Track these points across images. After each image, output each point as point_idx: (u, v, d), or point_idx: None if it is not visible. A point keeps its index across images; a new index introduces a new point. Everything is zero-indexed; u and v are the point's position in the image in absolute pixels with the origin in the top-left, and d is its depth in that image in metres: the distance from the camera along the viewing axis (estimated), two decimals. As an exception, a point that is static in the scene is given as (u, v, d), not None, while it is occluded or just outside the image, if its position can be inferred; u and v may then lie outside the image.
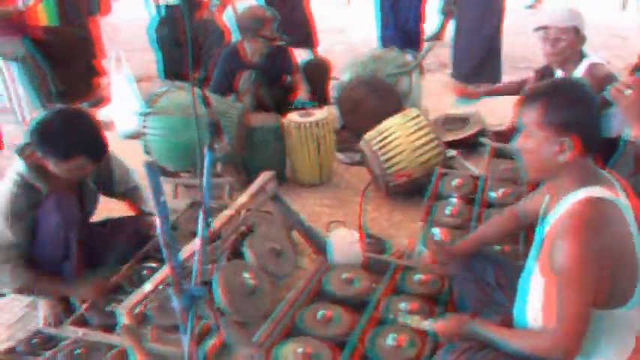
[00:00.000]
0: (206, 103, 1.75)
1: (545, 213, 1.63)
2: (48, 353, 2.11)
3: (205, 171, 1.40)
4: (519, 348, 1.58)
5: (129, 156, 2.73)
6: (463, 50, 4.91)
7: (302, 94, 3.79)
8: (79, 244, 2.35)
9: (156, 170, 1.20)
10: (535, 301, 1.63)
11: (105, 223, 2.71)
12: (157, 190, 1.24)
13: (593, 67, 2.80)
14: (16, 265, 2.26)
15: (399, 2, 5.11)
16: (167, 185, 3.29)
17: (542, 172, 1.61)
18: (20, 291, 2.36)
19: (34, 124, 2.22)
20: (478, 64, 4.79)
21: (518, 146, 1.60)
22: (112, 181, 2.63)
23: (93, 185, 2.55)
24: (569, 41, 2.83)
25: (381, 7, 5.22)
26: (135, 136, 4.08)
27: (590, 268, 1.44)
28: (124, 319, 1.75)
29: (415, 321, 1.91)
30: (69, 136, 2.18)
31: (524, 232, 2.33)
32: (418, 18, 5.21)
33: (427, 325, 1.85)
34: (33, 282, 2.29)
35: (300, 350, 1.85)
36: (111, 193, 2.70)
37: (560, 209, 1.53)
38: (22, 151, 2.26)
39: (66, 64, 4.37)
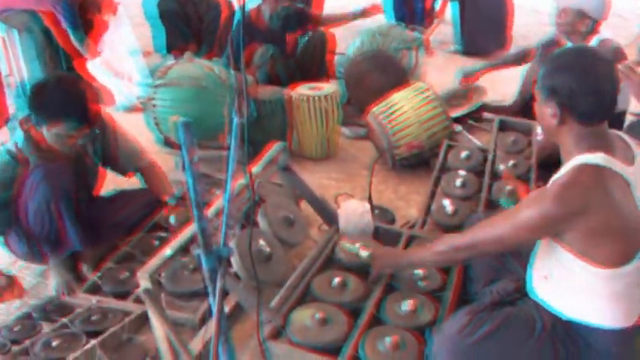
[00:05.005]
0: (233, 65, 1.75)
1: None
2: (65, 319, 2.13)
3: (232, 134, 1.41)
4: (428, 258, 1.88)
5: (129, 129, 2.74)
6: (470, 25, 5.08)
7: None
8: (78, 215, 2.37)
9: (191, 129, 1.21)
10: (539, 261, 1.68)
11: (115, 197, 2.72)
12: (190, 150, 1.25)
13: (602, 42, 2.84)
14: None
15: None
16: (174, 158, 3.31)
17: (550, 135, 1.66)
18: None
19: (30, 88, 2.30)
20: (486, 35, 4.94)
21: (535, 107, 1.65)
22: (118, 157, 2.64)
23: (97, 160, 2.56)
24: (571, 20, 2.90)
25: None
26: (135, 109, 4.09)
27: (532, 227, 1.55)
28: (145, 284, 1.77)
29: (354, 249, 2.16)
30: (56, 98, 2.23)
31: None
32: None
33: (364, 255, 2.12)
34: None
35: (316, 316, 1.88)
36: (122, 170, 2.72)
37: (557, 175, 1.56)
38: (22, 123, 2.30)
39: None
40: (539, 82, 1.58)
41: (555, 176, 1.56)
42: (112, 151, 2.61)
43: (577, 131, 1.55)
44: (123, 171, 2.72)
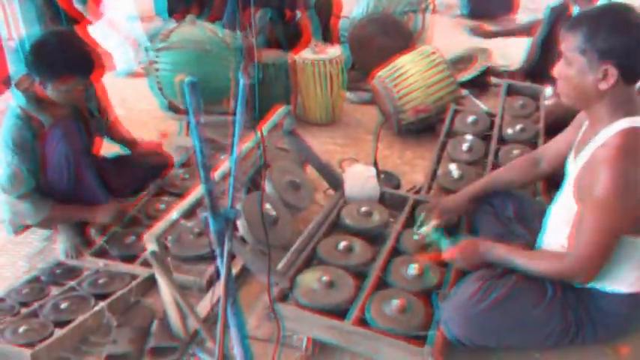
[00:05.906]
0: (241, 27, 1.72)
1: (582, 145, 1.62)
2: (73, 282, 2.15)
3: (240, 93, 1.39)
4: (538, 269, 1.63)
5: (129, 94, 2.72)
6: None
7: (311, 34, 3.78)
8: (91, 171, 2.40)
9: (198, 89, 1.19)
10: (556, 229, 1.66)
11: (120, 158, 2.72)
12: (197, 111, 1.23)
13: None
14: (35, 197, 2.28)
15: None
16: (177, 123, 3.29)
17: (580, 100, 1.56)
18: (44, 223, 2.39)
19: (29, 47, 2.23)
20: None
21: (557, 72, 1.57)
22: (101, 112, 2.64)
23: (96, 113, 2.55)
24: None
25: None
26: (136, 74, 4.05)
27: (622, 198, 1.44)
28: (152, 247, 1.77)
29: (436, 237, 1.99)
30: (63, 55, 2.18)
31: None
32: None
33: (445, 244, 1.93)
34: (55, 212, 2.33)
35: (323, 278, 1.88)
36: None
37: (599, 139, 1.52)
38: (20, 84, 2.26)
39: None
40: (583, 44, 1.47)
41: (594, 144, 1.52)
42: (99, 105, 2.61)
43: (621, 94, 1.50)
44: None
